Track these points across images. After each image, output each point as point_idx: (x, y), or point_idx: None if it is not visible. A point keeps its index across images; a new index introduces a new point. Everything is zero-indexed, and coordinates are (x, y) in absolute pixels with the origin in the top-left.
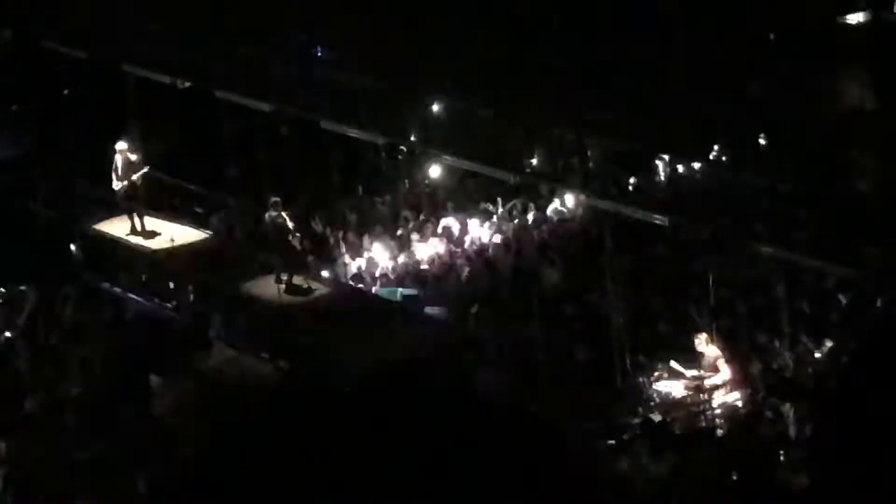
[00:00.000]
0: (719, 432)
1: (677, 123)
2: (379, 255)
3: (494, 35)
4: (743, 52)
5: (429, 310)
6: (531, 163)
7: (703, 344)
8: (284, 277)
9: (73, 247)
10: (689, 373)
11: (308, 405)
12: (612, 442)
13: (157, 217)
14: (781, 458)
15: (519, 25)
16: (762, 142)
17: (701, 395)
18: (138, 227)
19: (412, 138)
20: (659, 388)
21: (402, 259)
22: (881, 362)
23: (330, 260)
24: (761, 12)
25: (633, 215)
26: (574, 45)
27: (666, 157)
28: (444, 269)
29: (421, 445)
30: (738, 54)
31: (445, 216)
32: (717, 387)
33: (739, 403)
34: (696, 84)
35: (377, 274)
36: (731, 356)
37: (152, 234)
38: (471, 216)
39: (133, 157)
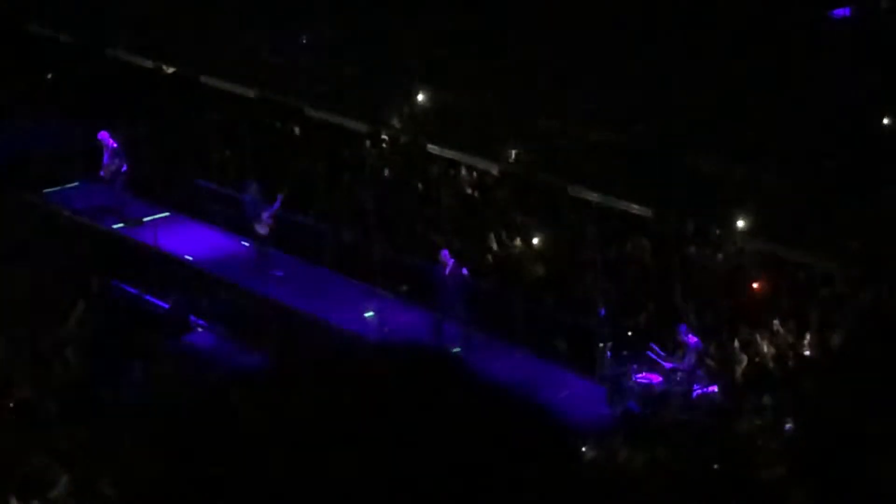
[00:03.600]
0: (699, 424)
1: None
2: None
3: (479, 25)
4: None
5: None
6: (513, 152)
7: (685, 336)
8: None
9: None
10: (670, 364)
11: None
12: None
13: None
14: (761, 449)
15: (505, 17)
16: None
17: (681, 387)
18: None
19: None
20: (639, 380)
21: None
22: (865, 356)
23: None
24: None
25: (616, 206)
26: (562, 38)
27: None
28: None
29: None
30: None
31: None
32: (697, 378)
33: (719, 395)
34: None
35: None
36: (713, 348)
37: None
38: None
39: (115, 145)
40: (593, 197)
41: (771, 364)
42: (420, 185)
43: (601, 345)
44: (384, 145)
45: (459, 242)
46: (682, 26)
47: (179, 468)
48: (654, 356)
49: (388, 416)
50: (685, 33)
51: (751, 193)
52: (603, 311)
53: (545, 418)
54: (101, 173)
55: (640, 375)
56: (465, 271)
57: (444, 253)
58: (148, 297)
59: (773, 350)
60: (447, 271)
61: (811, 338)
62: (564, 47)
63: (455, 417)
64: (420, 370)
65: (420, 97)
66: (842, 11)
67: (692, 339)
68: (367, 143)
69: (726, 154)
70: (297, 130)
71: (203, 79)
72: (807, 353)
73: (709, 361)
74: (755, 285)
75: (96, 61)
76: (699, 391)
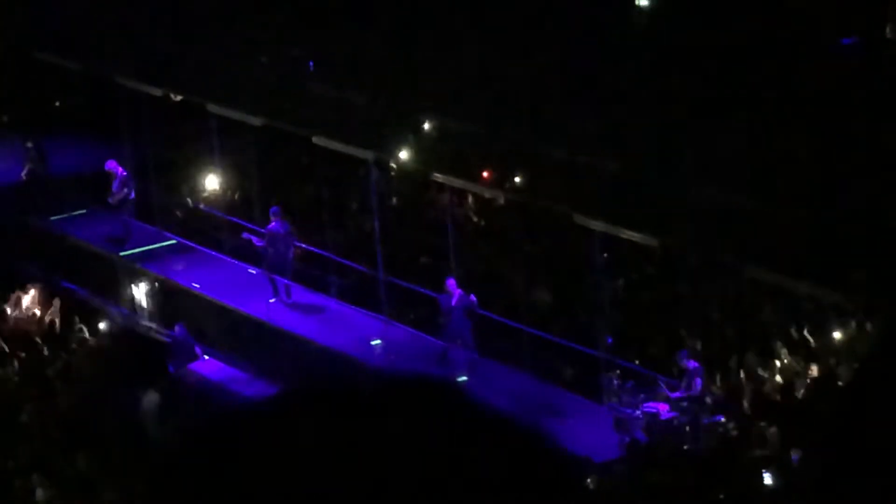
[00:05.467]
0: (705, 454)
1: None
2: None
3: (486, 53)
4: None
5: None
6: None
7: (691, 365)
8: None
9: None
10: (676, 394)
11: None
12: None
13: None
14: (767, 481)
15: (510, 44)
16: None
17: (687, 417)
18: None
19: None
20: (646, 409)
21: None
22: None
23: None
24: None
25: (622, 235)
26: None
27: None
28: None
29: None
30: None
31: None
32: (703, 408)
33: (726, 425)
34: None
35: None
36: (719, 378)
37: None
38: None
39: (123, 173)
40: (598, 226)
41: (778, 394)
42: (427, 214)
43: (608, 374)
44: (391, 174)
45: (466, 270)
46: (685, 55)
47: (184, 498)
48: (660, 384)
49: (394, 447)
50: (688, 63)
51: (757, 223)
52: (610, 340)
53: (551, 448)
54: (110, 201)
55: (646, 405)
56: (473, 297)
57: (451, 282)
58: (155, 325)
59: (780, 380)
60: (453, 300)
61: (819, 368)
62: (569, 75)
63: (460, 447)
64: (425, 400)
65: (427, 126)
66: (848, 40)
67: (692, 363)
68: (375, 171)
69: (731, 184)
70: (304, 158)
71: (210, 107)
72: (814, 382)
73: (715, 391)
74: (761, 314)
75: (105, 89)
76: (706, 421)
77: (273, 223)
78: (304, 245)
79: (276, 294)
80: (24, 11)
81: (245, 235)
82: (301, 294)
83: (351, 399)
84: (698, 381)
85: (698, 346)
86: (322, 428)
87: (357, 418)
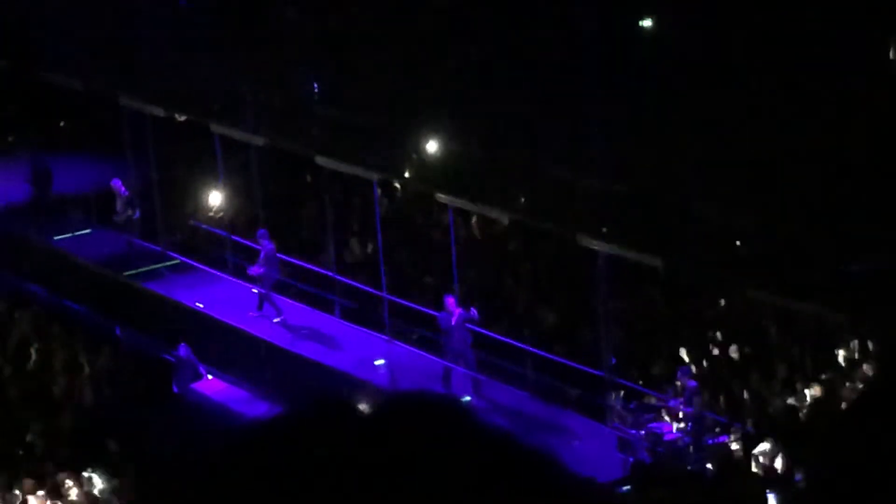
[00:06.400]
0: (710, 473)
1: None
2: None
3: (494, 75)
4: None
5: None
6: (522, 201)
7: (690, 384)
8: None
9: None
10: (680, 413)
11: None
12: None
13: None
14: (771, 502)
15: (515, 66)
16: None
17: (692, 437)
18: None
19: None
20: (650, 430)
21: None
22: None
23: None
24: None
25: (625, 255)
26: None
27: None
28: None
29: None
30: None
31: None
32: (707, 428)
33: (731, 445)
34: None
35: None
36: (724, 398)
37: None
38: None
39: (127, 193)
40: (602, 246)
41: (781, 414)
42: (430, 234)
43: (612, 394)
44: (395, 194)
45: (469, 289)
46: (688, 74)
47: None
48: (660, 401)
49: (397, 467)
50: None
51: (758, 244)
52: (614, 360)
53: (556, 469)
54: (114, 220)
55: (651, 425)
56: (473, 311)
57: (450, 300)
58: (159, 345)
59: (784, 400)
60: (453, 319)
61: (822, 388)
62: (575, 96)
63: (463, 467)
64: (427, 419)
65: (431, 146)
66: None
67: (691, 382)
68: (378, 191)
69: (735, 205)
70: (308, 178)
71: (213, 127)
72: (817, 402)
73: (719, 411)
74: (766, 335)
75: (109, 109)
76: (710, 441)
77: (268, 244)
78: (307, 264)
79: (279, 314)
80: (29, 32)
81: (249, 270)
82: (304, 313)
83: (353, 419)
84: (696, 399)
85: (702, 365)
86: (325, 448)
87: (359, 438)
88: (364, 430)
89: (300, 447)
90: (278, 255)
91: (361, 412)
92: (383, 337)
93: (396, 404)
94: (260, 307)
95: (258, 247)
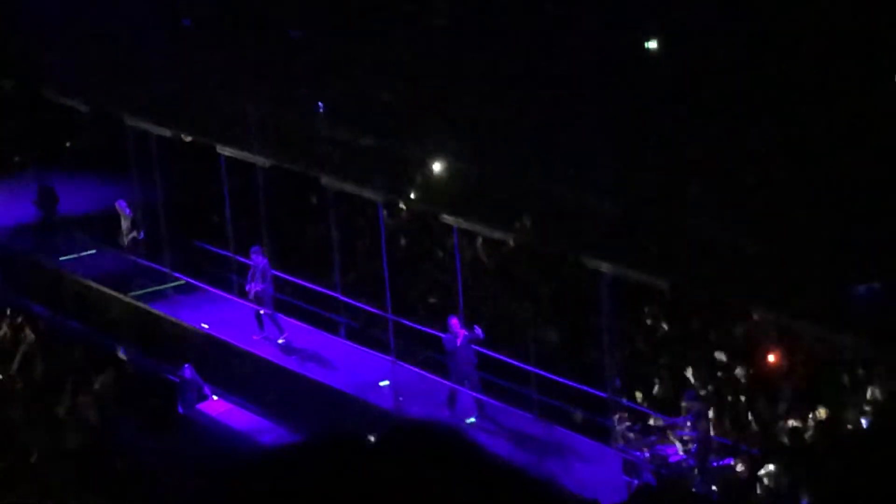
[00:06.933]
0: (715, 496)
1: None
2: None
3: (497, 95)
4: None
5: None
6: (528, 221)
7: (690, 401)
8: None
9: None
10: (685, 435)
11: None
12: None
13: None
14: None
15: (518, 85)
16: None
17: (697, 460)
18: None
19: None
20: (655, 452)
21: None
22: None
23: None
24: None
25: (630, 276)
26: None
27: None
28: None
29: None
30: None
31: None
32: (712, 450)
33: (736, 467)
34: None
35: None
36: (729, 420)
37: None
38: None
39: (131, 214)
40: (607, 267)
41: (787, 437)
42: (435, 254)
43: (617, 416)
44: (400, 214)
45: (475, 310)
46: (692, 96)
47: None
48: (666, 423)
49: (402, 498)
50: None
51: (766, 266)
52: (618, 382)
53: (558, 498)
54: (119, 241)
55: (656, 447)
56: (478, 330)
57: (454, 321)
58: (163, 365)
59: (788, 422)
60: (458, 341)
61: (827, 411)
62: (578, 117)
63: (466, 498)
64: (431, 450)
65: (436, 167)
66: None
67: (697, 404)
68: (384, 212)
69: (740, 226)
70: (313, 199)
71: (219, 148)
72: (822, 426)
73: (724, 433)
74: (771, 357)
75: (115, 129)
76: (715, 464)
77: (262, 260)
78: (312, 285)
79: (281, 332)
80: (35, 52)
81: (250, 288)
82: (309, 334)
83: (360, 452)
84: (701, 422)
85: (707, 387)
86: (332, 482)
87: (365, 472)
88: (370, 463)
89: (308, 480)
90: (273, 271)
91: (367, 445)
92: (388, 358)
93: (402, 437)
94: (261, 327)
95: (250, 262)
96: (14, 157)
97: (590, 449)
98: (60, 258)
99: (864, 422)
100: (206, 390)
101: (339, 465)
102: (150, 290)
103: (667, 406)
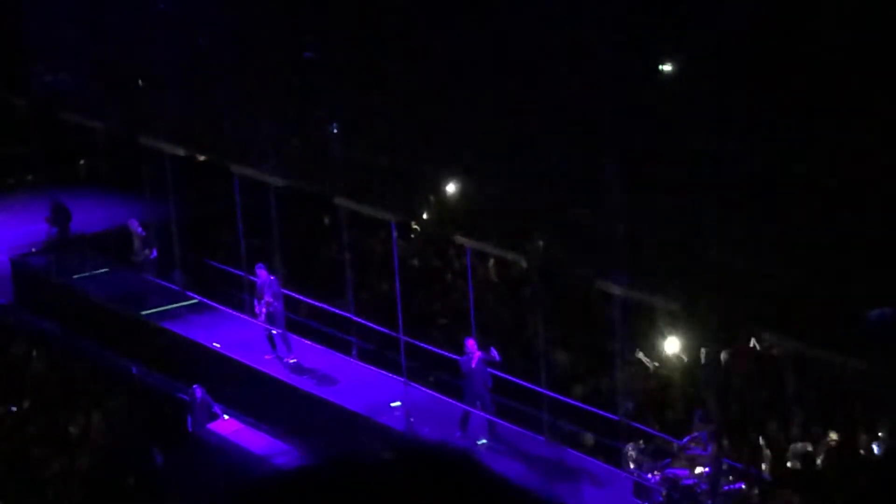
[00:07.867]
0: None
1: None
2: None
3: (511, 116)
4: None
5: None
6: (540, 245)
7: (700, 421)
8: None
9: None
10: (697, 458)
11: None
12: None
13: None
14: None
15: (531, 106)
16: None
17: (709, 483)
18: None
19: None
20: (666, 475)
21: None
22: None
23: None
24: None
25: (644, 300)
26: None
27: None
28: None
29: None
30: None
31: None
32: (723, 474)
33: (748, 491)
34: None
35: None
36: (741, 445)
37: None
38: None
39: (143, 233)
40: (619, 291)
41: (798, 462)
42: (448, 275)
43: (629, 439)
44: (413, 235)
45: (487, 332)
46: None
47: None
48: (677, 445)
49: None
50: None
51: (776, 289)
52: (630, 404)
53: None
54: (132, 259)
55: (668, 470)
56: (494, 352)
57: (470, 343)
58: (175, 384)
59: (799, 447)
60: (473, 363)
61: (839, 436)
62: (590, 138)
63: None
64: (445, 477)
65: (449, 188)
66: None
67: (706, 427)
68: (396, 233)
69: (753, 250)
70: (326, 219)
71: (233, 167)
72: (834, 449)
73: (736, 458)
74: (782, 381)
75: (128, 148)
76: (727, 487)
77: (270, 276)
78: (325, 305)
79: (290, 352)
80: (48, 70)
81: (272, 308)
82: (321, 354)
83: (371, 475)
84: (713, 445)
85: (718, 411)
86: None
87: (375, 492)
88: (379, 486)
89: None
90: (285, 290)
91: (377, 467)
92: (400, 379)
93: (412, 459)
94: (273, 347)
95: (256, 279)
96: (28, 175)
97: (601, 472)
98: (73, 276)
99: (875, 447)
100: (217, 409)
101: (349, 488)
102: (162, 308)
103: (679, 429)
